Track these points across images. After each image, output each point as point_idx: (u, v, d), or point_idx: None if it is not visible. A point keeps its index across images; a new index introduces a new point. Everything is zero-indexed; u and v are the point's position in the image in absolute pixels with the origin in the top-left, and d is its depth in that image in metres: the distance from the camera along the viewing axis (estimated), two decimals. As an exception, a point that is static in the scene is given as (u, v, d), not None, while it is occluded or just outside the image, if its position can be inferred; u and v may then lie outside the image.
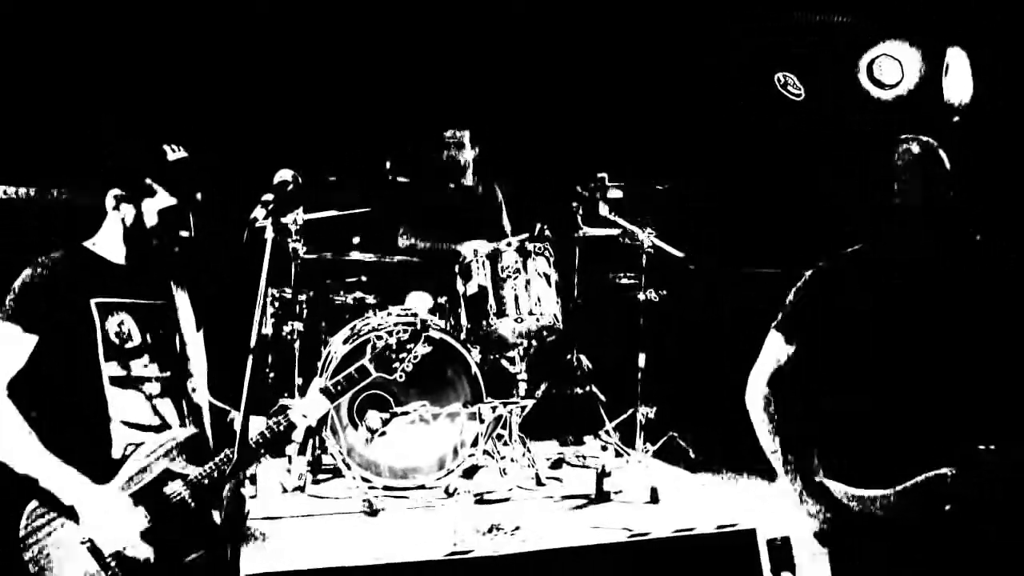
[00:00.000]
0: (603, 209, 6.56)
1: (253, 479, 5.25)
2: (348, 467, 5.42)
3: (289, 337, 5.81)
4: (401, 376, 3.69)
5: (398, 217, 6.57)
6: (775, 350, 3.32)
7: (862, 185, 3.50)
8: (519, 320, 5.72)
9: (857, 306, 3.23)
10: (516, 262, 5.82)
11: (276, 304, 5.93)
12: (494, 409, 5.73)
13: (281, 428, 3.24)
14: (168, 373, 3.22)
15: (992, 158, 6.22)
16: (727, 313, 7.40)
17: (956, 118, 6.63)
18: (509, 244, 5.88)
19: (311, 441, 5.67)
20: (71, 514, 2.92)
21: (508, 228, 6.66)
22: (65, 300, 3.06)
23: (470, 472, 5.75)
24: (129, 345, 3.12)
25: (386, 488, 5.47)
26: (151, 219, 3.17)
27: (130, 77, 6.34)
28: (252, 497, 5.22)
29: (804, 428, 3.31)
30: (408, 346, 3.65)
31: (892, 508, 3.07)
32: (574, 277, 7.05)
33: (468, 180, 6.79)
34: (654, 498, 5.52)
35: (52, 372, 3.04)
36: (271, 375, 6.10)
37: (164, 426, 3.18)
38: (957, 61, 6.68)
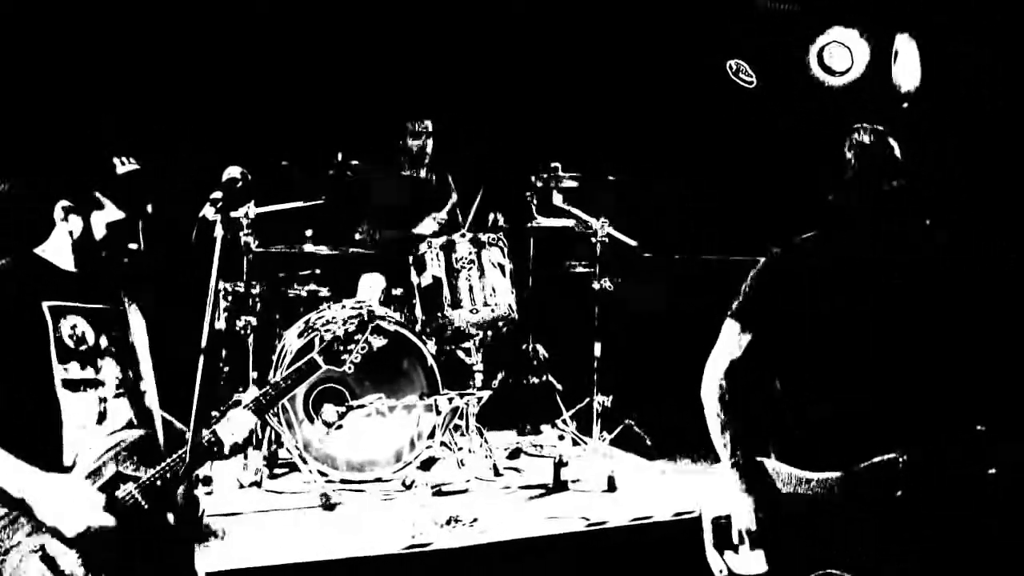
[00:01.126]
0: (557, 199, 6.56)
1: (207, 480, 5.20)
2: (305, 461, 5.39)
3: (243, 331, 5.75)
4: (350, 368, 3.66)
5: (351, 209, 6.54)
6: (731, 338, 3.31)
7: (815, 172, 3.53)
8: (474, 311, 5.71)
9: (811, 293, 3.25)
10: (470, 253, 5.82)
11: (229, 298, 5.87)
12: (451, 400, 5.73)
13: (210, 442, 3.19)
14: (123, 375, 3.16)
15: (941, 143, 6.29)
16: (681, 301, 7.43)
17: (905, 104, 6.70)
18: (463, 235, 5.88)
19: (267, 436, 5.65)
20: (22, 508, 2.83)
21: (460, 219, 6.66)
22: (15, 304, 2.99)
23: (427, 464, 5.74)
24: (83, 347, 3.06)
25: (343, 481, 5.45)
26: (100, 231, 3.12)
27: (83, 77, 6.24)
28: (208, 494, 5.18)
29: (758, 414, 3.34)
30: (356, 337, 3.62)
31: (841, 491, 3.12)
32: (528, 267, 7.06)
33: (423, 171, 6.79)
34: (611, 486, 5.54)
35: (2, 376, 2.95)
36: (225, 369, 6.05)
37: (123, 427, 3.13)
38: (906, 48, 6.74)
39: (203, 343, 2.75)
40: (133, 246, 3.17)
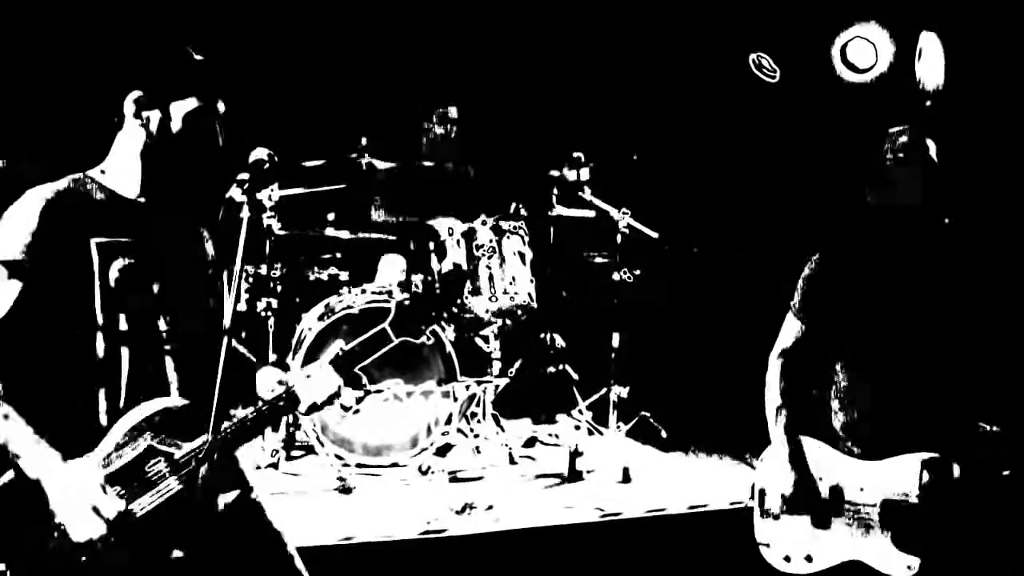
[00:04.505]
0: (585, 191, 6.54)
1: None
2: (322, 444, 5.42)
3: (263, 314, 5.78)
4: (429, 339, 3.42)
5: (373, 194, 6.56)
6: (789, 331, 3.63)
7: (849, 173, 3.62)
8: (493, 299, 5.72)
9: (863, 289, 3.46)
10: (491, 241, 5.82)
11: (250, 280, 5.89)
12: (468, 388, 5.74)
13: (280, 403, 2.91)
14: (176, 329, 2.82)
15: (964, 143, 6.27)
16: (701, 294, 7.42)
17: (928, 103, 6.66)
18: (484, 223, 5.88)
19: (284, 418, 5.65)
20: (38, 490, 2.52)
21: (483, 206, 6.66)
22: (61, 240, 2.63)
23: (444, 450, 5.76)
24: (133, 294, 2.72)
25: (359, 466, 5.47)
26: (178, 126, 2.76)
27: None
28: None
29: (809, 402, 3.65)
30: (435, 299, 3.38)
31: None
32: (548, 256, 7.05)
33: (447, 157, 6.78)
34: (626, 478, 5.55)
35: (39, 324, 2.62)
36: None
37: (162, 391, 2.78)
38: (930, 46, 6.70)
39: (226, 324, 2.67)
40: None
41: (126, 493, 2.61)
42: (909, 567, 3.19)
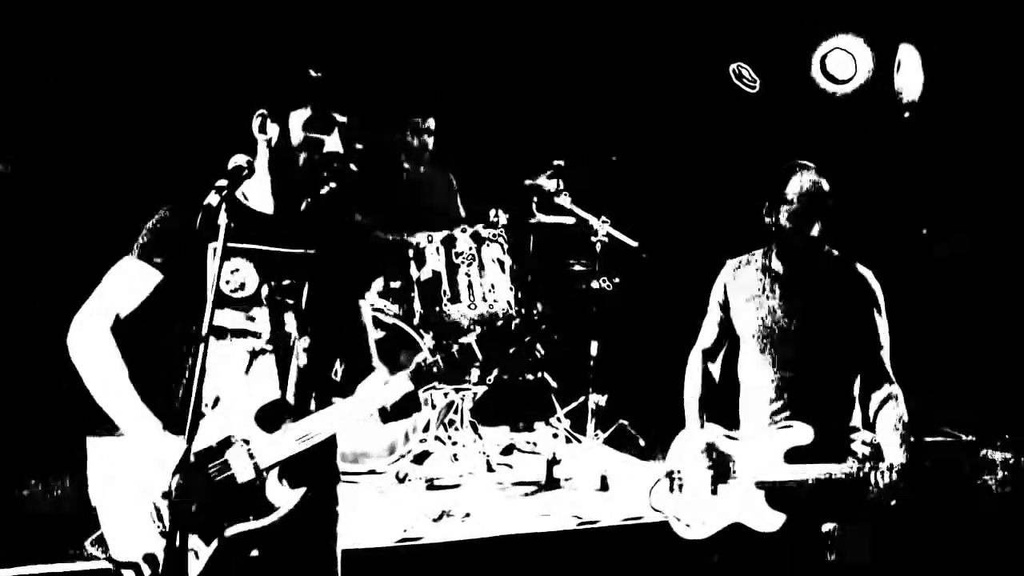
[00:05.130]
0: (564, 200, 6.54)
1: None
2: (299, 452, 5.39)
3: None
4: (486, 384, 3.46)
5: (352, 203, 6.52)
6: (708, 324, 4.08)
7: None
8: (472, 306, 5.72)
9: (761, 295, 3.87)
10: (470, 248, 5.82)
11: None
12: (446, 395, 5.74)
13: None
14: (276, 330, 2.94)
15: (942, 153, 6.32)
16: (678, 302, 7.43)
17: (907, 114, 6.71)
18: (463, 230, 5.88)
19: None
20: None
21: (463, 214, 6.66)
22: (193, 244, 2.86)
23: (421, 458, 5.75)
24: (240, 295, 2.90)
25: (337, 473, 5.45)
26: (297, 136, 2.91)
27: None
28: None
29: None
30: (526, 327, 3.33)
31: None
32: (527, 264, 7.05)
33: (422, 167, 6.78)
34: (604, 486, 5.56)
35: (163, 315, 2.89)
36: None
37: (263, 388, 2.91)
38: (909, 58, 6.75)
39: (203, 332, 2.69)
40: (334, 150, 2.93)
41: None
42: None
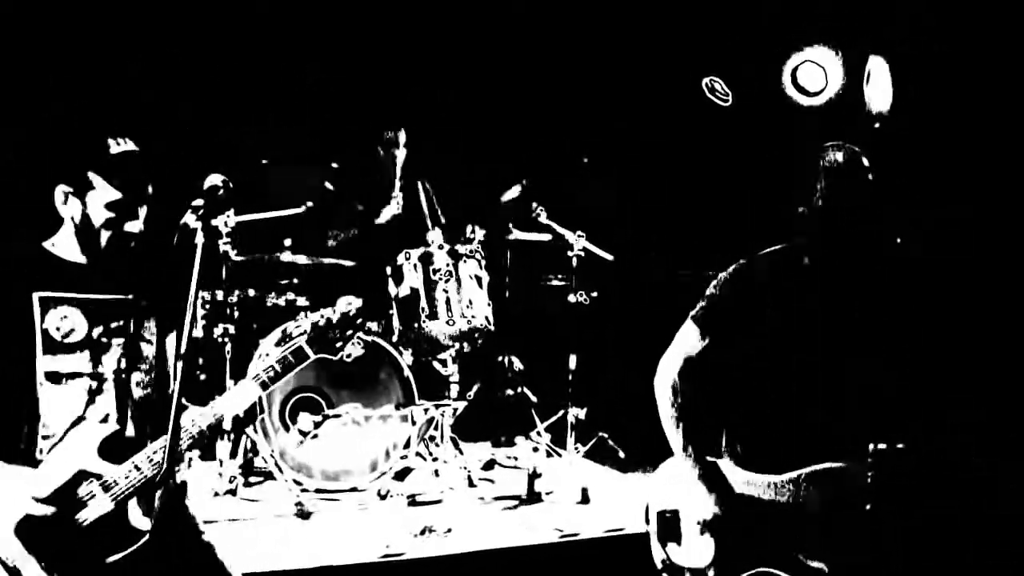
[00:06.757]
0: (542, 216, 6.58)
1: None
2: (280, 470, 5.40)
3: (220, 339, 5.76)
4: (348, 357, 3.55)
5: (330, 217, 6.56)
6: (687, 340, 3.48)
7: (786, 188, 3.59)
8: (450, 323, 5.75)
9: (773, 304, 3.38)
10: (448, 265, 5.85)
11: (207, 306, 5.87)
12: (426, 411, 5.76)
13: (211, 422, 3.14)
14: (113, 368, 3.12)
15: (911, 164, 6.39)
16: (656, 315, 7.48)
17: (876, 125, 6.78)
18: (440, 247, 5.91)
19: (242, 441, 5.65)
20: None
21: (443, 222, 6.68)
22: (13, 297, 3.01)
23: (402, 474, 5.77)
24: (70, 339, 3.04)
25: (318, 491, 5.47)
26: (98, 214, 3.06)
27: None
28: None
29: (711, 416, 3.51)
30: (357, 321, 3.46)
31: (784, 493, 3.27)
32: (505, 279, 7.09)
33: (397, 181, 6.79)
34: (585, 499, 5.59)
35: None
36: (202, 377, 6.05)
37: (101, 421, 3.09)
38: (878, 70, 6.83)
39: (181, 350, 2.77)
40: (133, 228, 3.09)
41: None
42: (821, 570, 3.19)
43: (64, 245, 3.14)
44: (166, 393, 3.24)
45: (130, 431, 3.11)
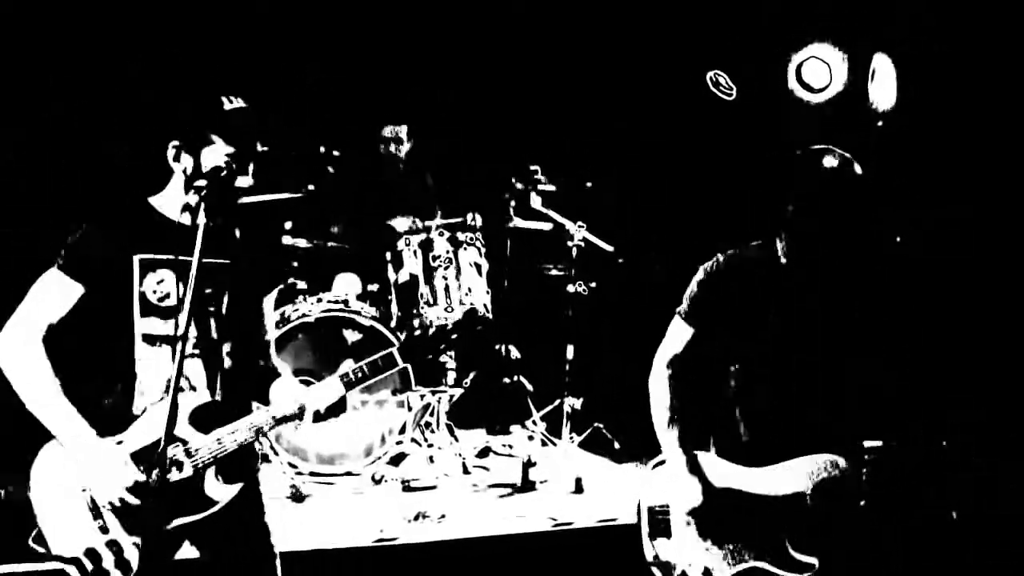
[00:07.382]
0: (535, 201, 6.59)
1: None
2: (275, 453, 5.41)
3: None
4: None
5: (332, 203, 6.54)
6: (677, 336, 3.51)
7: (779, 186, 3.57)
8: (449, 309, 5.75)
9: (758, 297, 3.38)
10: (447, 252, 5.85)
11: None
12: (422, 397, 5.76)
13: (294, 411, 3.18)
14: (203, 334, 3.13)
15: (911, 164, 6.39)
16: (654, 306, 7.47)
17: (880, 123, 6.77)
18: (441, 234, 5.91)
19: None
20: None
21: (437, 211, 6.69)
22: (116, 256, 3.04)
23: (397, 460, 5.77)
24: (166, 303, 3.06)
25: (313, 474, 5.48)
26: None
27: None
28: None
29: (700, 410, 3.55)
30: (452, 337, 3.42)
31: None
32: (504, 268, 7.08)
33: (400, 173, 6.81)
34: (579, 488, 5.60)
35: (90, 324, 3.05)
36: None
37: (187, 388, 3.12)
38: (883, 67, 6.82)
39: (181, 330, 2.78)
40: (244, 183, 3.09)
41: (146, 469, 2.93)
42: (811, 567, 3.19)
43: (168, 202, 3.14)
44: (257, 363, 3.31)
45: (219, 399, 3.14)
